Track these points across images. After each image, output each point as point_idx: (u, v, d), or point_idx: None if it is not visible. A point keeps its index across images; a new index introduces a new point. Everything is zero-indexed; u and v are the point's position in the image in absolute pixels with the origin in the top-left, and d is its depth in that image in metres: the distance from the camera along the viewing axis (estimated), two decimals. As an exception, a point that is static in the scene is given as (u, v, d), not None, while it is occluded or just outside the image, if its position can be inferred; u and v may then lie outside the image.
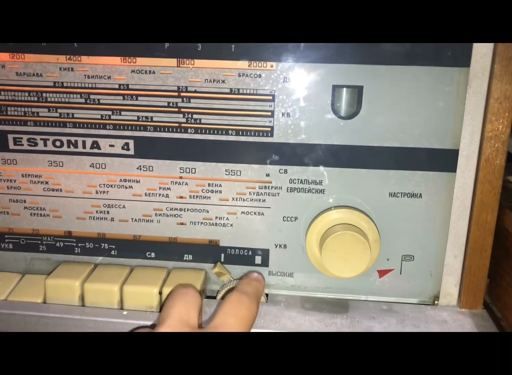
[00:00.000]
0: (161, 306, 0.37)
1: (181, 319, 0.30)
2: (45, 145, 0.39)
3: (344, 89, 0.36)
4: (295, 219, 0.39)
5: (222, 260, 0.41)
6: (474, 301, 0.38)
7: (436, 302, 0.39)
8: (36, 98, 0.38)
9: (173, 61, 0.37)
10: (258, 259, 0.40)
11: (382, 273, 0.39)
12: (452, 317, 0.38)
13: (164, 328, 0.29)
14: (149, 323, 0.36)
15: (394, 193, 0.38)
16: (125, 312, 0.37)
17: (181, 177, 0.39)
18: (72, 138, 0.39)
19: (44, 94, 0.38)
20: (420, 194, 0.38)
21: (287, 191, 0.39)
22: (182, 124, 0.38)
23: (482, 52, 0.34)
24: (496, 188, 0.36)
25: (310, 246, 0.38)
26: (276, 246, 0.40)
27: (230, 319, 0.30)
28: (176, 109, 0.38)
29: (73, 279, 0.38)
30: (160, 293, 0.37)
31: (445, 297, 0.39)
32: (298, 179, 0.38)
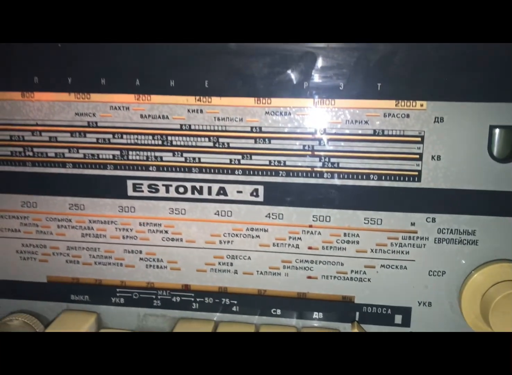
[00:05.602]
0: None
1: None
2: (167, 191, 0.37)
3: (504, 130, 0.33)
4: (442, 273, 0.35)
5: (357, 318, 0.36)
6: None
7: None
8: (160, 142, 0.36)
9: (309, 101, 0.34)
10: (398, 318, 0.36)
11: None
12: None
13: None
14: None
15: (562, 244, 0.33)
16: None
17: (312, 226, 0.36)
18: (197, 184, 0.36)
19: (169, 138, 0.36)
20: None
21: (434, 242, 0.35)
22: (317, 169, 0.35)
23: None
24: None
25: (467, 304, 0.33)
26: (420, 304, 0.36)
27: None
28: (311, 153, 0.35)
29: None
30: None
31: None
32: (448, 229, 0.34)
